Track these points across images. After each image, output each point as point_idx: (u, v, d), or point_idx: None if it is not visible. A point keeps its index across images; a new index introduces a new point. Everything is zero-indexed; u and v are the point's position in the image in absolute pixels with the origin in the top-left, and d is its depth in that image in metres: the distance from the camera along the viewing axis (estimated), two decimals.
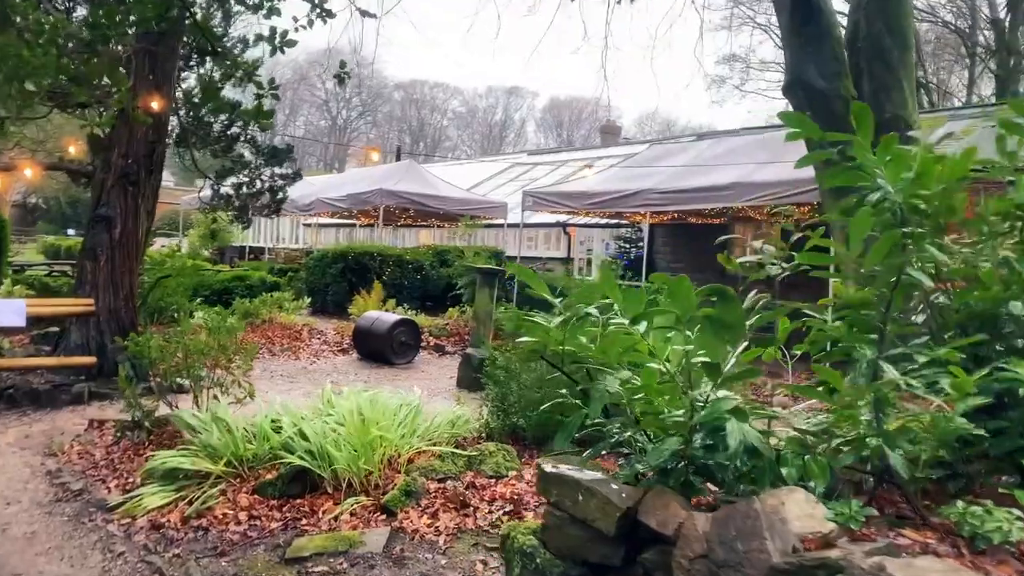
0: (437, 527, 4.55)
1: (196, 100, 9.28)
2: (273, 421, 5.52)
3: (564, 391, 5.53)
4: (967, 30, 27.03)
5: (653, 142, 16.51)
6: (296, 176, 11.87)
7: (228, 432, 5.40)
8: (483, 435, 6.28)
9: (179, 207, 29.76)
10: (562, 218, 20.04)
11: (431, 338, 12.98)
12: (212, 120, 10.90)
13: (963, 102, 27.06)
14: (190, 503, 4.94)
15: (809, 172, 11.35)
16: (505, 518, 4.64)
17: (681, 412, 2.68)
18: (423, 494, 4.90)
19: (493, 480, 5.23)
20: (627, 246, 18.22)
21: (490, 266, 10.66)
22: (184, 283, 11.88)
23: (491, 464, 5.36)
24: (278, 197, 11.47)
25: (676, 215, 15.55)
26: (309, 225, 30.79)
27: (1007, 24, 26.41)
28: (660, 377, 2.71)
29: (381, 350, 11.42)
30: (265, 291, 14.25)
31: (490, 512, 4.73)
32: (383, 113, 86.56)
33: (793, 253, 3.13)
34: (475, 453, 5.46)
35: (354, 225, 27.98)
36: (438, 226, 24.83)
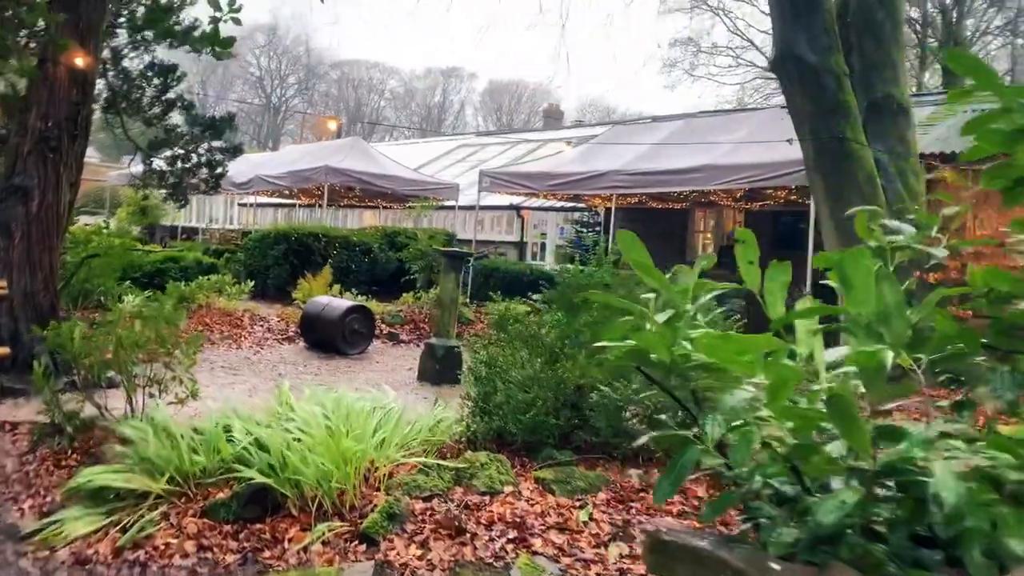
0: (430, 560, 3.79)
1: (137, 23, 8.21)
2: (224, 428, 4.67)
3: (600, 392, 4.82)
4: (918, 20, 27.13)
5: (615, 123, 15.89)
6: (236, 150, 10.86)
7: (170, 441, 4.54)
8: (463, 440, 5.53)
9: (105, 183, 28.06)
10: (516, 200, 19.31)
11: (384, 326, 12.14)
12: (144, 84, 9.82)
13: (913, 91, 27.10)
14: (124, 530, 4.08)
15: (786, 154, 10.86)
16: (510, 547, 3.91)
17: (841, 446, 1.96)
18: (408, 517, 4.13)
19: (487, 497, 4.49)
20: (584, 230, 17.60)
21: (457, 249, 9.86)
22: (112, 264, 10.77)
23: (483, 478, 4.62)
24: (216, 172, 10.45)
25: (638, 198, 14.96)
26: (245, 204, 29.42)
27: (954, 15, 26.58)
28: (815, 396, 1.98)
29: (332, 339, 10.54)
30: (201, 274, 13.18)
31: (491, 539, 3.99)
32: (319, 92, 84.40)
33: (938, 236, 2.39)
34: (464, 465, 4.71)
35: (293, 205, 26.76)
36: (385, 207, 23.83)
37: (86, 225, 16.06)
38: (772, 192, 12.34)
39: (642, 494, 4.71)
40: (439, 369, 8.97)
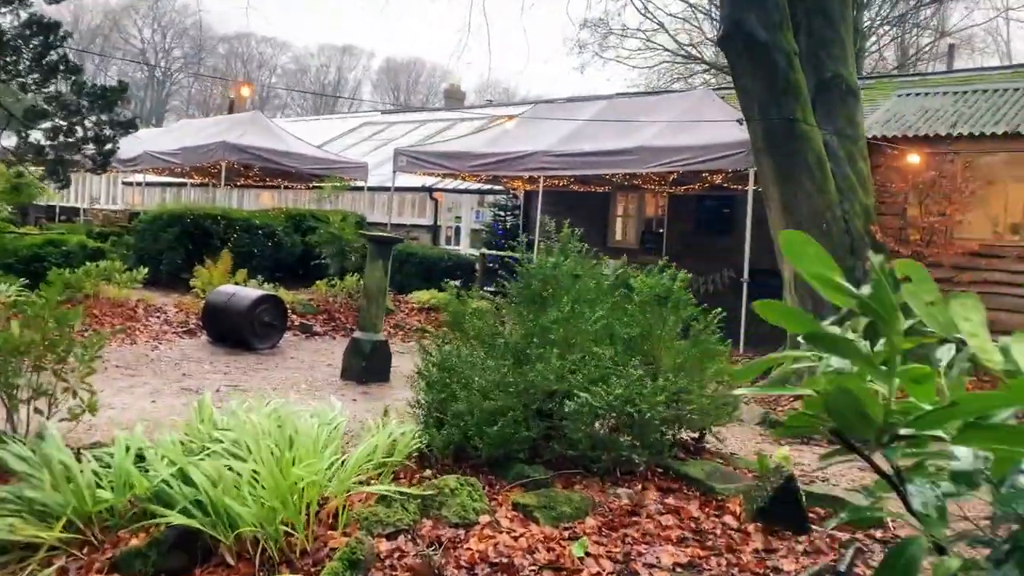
0: None
1: None
2: (137, 455, 3.80)
3: (577, 399, 4.18)
4: None
5: (536, 102, 15.27)
6: (130, 124, 9.65)
7: (66, 474, 3.64)
8: (414, 456, 4.80)
9: None
10: (430, 182, 18.47)
11: (295, 316, 11.18)
12: (21, 44, 8.54)
13: None
14: None
15: (724, 136, 10.50)
16: None
17: None
18: (374, 562, 3.40)
19: (461, 531, 3.80)
20: (503, 214, 16.94)
21: (385, 234, 9.04)
22: None
23: (454, 507, 3.92)
24: (106, 149, 9.25)
25: (560, 181, 14.41)
26: (131, 183, 27.39)
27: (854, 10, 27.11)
28: None
29: (239, 332, 9.55)
30: (86, 259, 11.83)
31: None
32: (206, 67, 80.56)
33: None
34: (431, 492, 3.99)
35: (184, 184, 25.01)
36: (286, 187, 22.50)
37: None
38: (707, 176, 12.00)
39: (634, 518, 4.12)
40: (366, 366, 8.17)
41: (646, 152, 11.14)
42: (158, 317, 10.58)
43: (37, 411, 4.59)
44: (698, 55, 27.73)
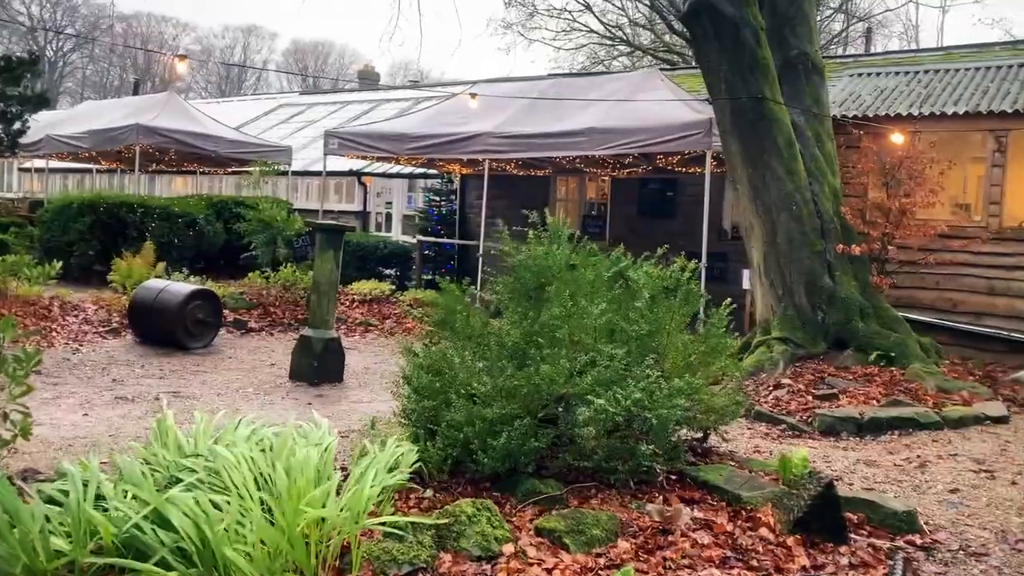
0: None
1: None
2: (97, 494, 3.17)
3: (592, 404, 3.78)
4: None
5: (474, 82, 14.67)
6: (42, 101, 8.67)
7: (10, 521, 2.99)
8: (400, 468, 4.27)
9: None
10: (358, 166, 17.69)
11: (228, 312, 10.38)
12: None
13: None
14: None
15: (679, 116, 10.21)
16: None
17: None
18: None
19: (486, 564, 3.33)
20: (438, 199, 16.32)
21: (336, 223, 8.39)
22: None
23: (474, 537, 3.44)
24: (14, 129, 8.29)
25: (499, 165, 13.90)
26: (27, 169, 25.55)
27: None
28: None
29: (170, 331, 8.77)
30: None
31: None
32: (101, 47, 76.60)
33: None
34: (445, 520, 3.49)
35: (90, 170, 23.45)
36: (202, 173, 21.30)
37: None
38: (662, 158, 11.71)
39: (668, 537, 3.72)
40: (317, 366, 7.55)
41: (596, 134, 10.75)
42: (76, 316, 9.64)
43: None
44: (623, 36, 27.53)
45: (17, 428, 3.92)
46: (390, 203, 18.68)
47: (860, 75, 11.19)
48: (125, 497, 3.22)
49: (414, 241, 15.98)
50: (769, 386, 7.30)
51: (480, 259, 12.39)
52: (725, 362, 4.89)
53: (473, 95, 11.18)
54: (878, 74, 11.03)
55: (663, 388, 4.21)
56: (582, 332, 4.33)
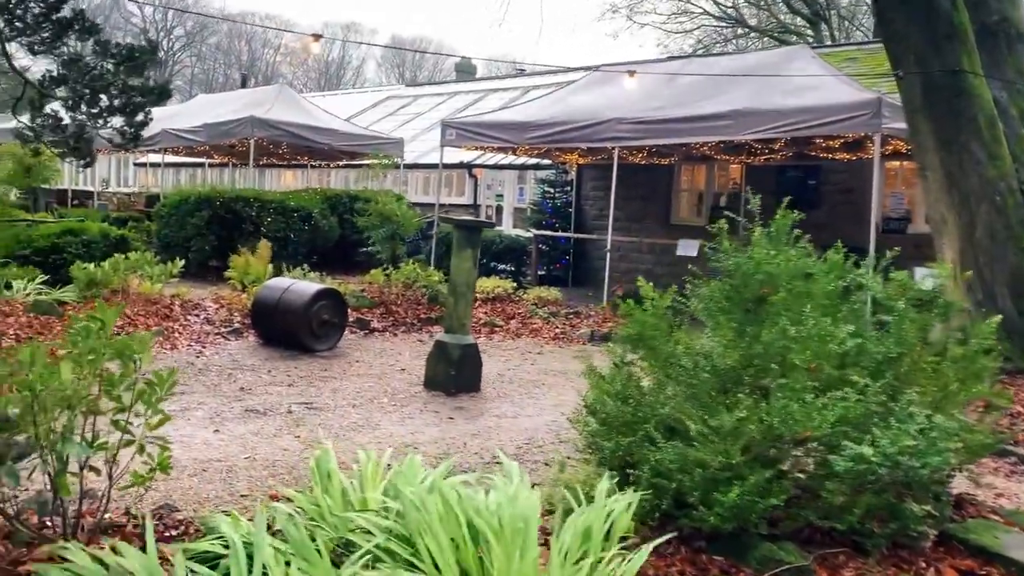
0: None
1: None
2: (246, 549, 2.52)
3: (848, 453, 2.95)
4: None
5: (595, 68, 13.81)
6: (163, 92, 8.30)
7: None
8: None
9: None
10: (469, 157, 17.08)
11: (351, 310, 9.88)
12: None
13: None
14: None
15: (842, 97, 9.14)
16: None
17: None
18: None
19: None
20: (552, 191, 15.57)
21: (474, 219, 7.73)
22: None
23: None
24: (137, 120, 7.92)
25: (621, 153, 13.01)
26: (142, 164, 26.10)
27: None
28: None
29: (294, 332, 8.28)
30: (109, 249, 10.56)
31: None
32: (208, 46, 79.11)
33: None
34: None
35: (202, 164, 23.68)
36: (312, 166, 21.14)
37: None
38: (820, 142, 10.63)
39: None
40: (455, 374, 6.90)
41: (743, 116, 9.77)
42: (198, 316, 9.30)
43: (91, 469, 3.31)
44: (739, 17, 26.14)
45: (155, 462, 3.36)
46: (500, 195, 18.04)
47: None
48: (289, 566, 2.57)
49: (527, 235, 15.28)
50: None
51: (608, 255, 11.55)
52: (982, 388, 3.95)
53: (632, 72, 10.32)
54: None
55: (935, 429, 3.32)
56: (823, 357, 3.47)
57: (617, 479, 3.61)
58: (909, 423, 3.27)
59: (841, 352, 3.56)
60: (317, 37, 8.16)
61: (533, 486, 3.56)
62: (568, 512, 3.04)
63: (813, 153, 12.09)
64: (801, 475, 3.48)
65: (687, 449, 3.42)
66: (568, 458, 5.02)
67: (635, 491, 3.50)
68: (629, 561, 2.70)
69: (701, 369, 3.72)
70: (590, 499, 3.14)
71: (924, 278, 8.82)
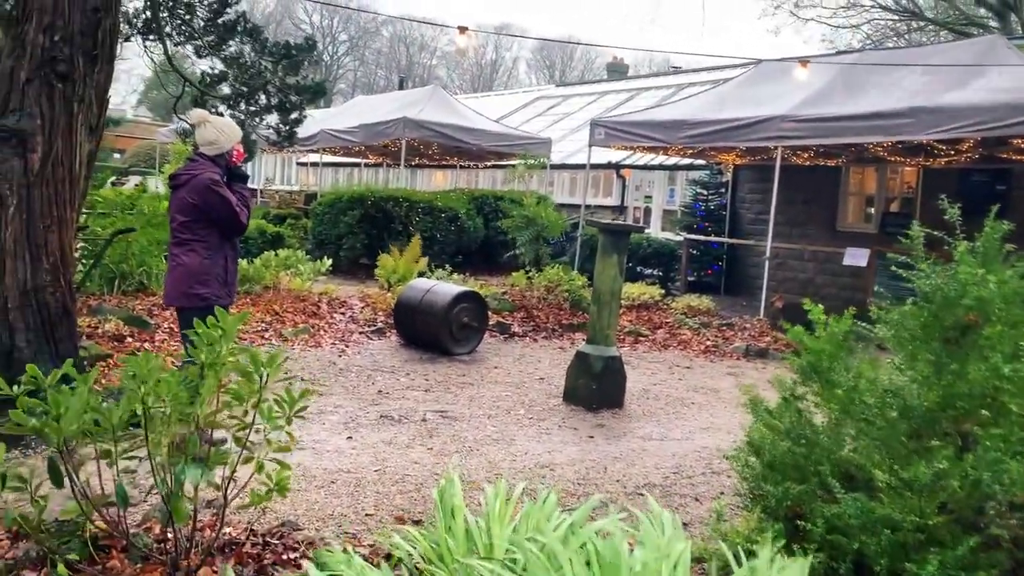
0: None
1: None
2: None
3: None
4: None
5: (750, 62, 12.98)
6: (319, 90, 8.36)
7: None
8: None
9: (155, 143, 25.96)
10: (618, 157, 16.60)
11: (491, 313, 9.67)
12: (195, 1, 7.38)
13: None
14: None
15: None
16: None
17: None
18: None
19: None
20: (705, 192, 14.84)
21: (621, 222, 7.31)
22: (157, 238, 8.43)
23: None
24: (292, 118, 8.00)
25: (794, 154, 12.16)
26: (304, 164, 27.19)
27: None
28: None
29: (435, 335, 8.13)
30: (265, 246, 10.87)
31: None
32: (371, 51, 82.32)
33: None
34: None
35: (358, 164, 24.38)
36: (462, 166, 21.29)
37: (136, 185, 13.80)
38: (1019, 142, 9.50)
39: None
40: (596, 388, 6.50)
41: (925, 114, 8.81)
42: (343, 314, 9.35)
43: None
44: (915, 9, 24.23)
45: (273, 482, 3.15)
46: (649, 197, 17.44)
47: None
48: None
49: (676, 238, 14.63)
50: None
51: (766, 262, 10.78)
52: None
53: (804, 62, 9.58)
54: None
55: None
56: None
57: (782, 532, 3.11)
58: None
59: None
60: (463, 29, 7.97)
61: (684, 525, 3.10)
62: (724, 569, 2.59)
63: (1004, 155, 10.85)
64: (1014, 547, 2.85)
65: (870, 503, 2.88)
66: (721, 494, 4.53)
67: (805, 551, 3.00)
68: None
69: (888, 407, 3.15)
70: (750, 554, 2.67)
71: None
